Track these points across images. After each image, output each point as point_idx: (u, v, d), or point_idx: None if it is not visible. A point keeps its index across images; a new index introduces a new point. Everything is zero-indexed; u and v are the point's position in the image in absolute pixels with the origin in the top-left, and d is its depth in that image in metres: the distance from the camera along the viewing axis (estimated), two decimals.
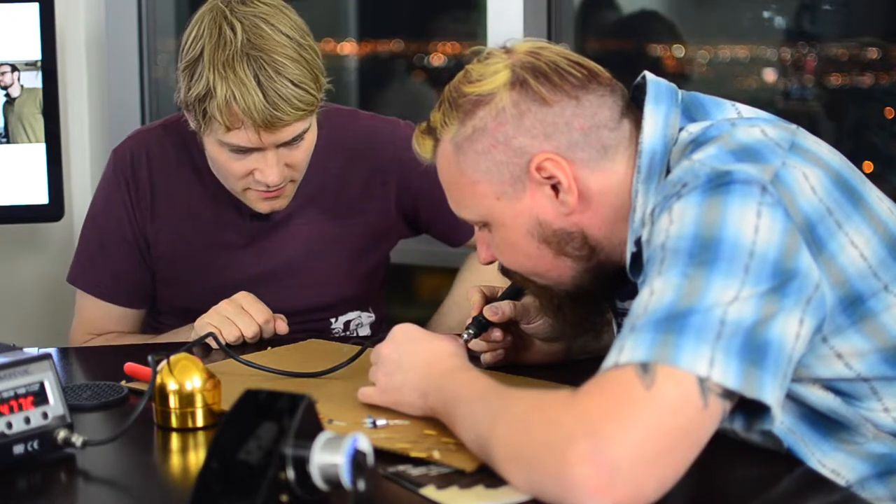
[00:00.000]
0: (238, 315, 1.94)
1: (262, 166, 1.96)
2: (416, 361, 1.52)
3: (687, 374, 1.24)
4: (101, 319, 2.20)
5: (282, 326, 1.97)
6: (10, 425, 1.41)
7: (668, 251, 1.32)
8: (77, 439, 1.44)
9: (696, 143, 1.45)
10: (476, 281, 2.18)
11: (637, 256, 1.48)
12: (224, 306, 1.95)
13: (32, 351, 1.57)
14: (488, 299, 1.76)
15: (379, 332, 2.25)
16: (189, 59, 1.93)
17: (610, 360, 1.28)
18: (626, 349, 1.27)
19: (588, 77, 1.50)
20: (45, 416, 1.44)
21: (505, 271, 1.65)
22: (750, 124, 1.46)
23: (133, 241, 2.15)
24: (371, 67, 3.49)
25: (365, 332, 2.24)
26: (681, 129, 1.49)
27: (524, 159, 1.49)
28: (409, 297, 3.29)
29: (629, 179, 1.50)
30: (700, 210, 1.32)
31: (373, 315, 2.25)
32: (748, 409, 1.31)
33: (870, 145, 2.79)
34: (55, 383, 1.46)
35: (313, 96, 1.93)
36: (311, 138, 2.01)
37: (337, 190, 2.17)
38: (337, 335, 2.20)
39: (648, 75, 1.54)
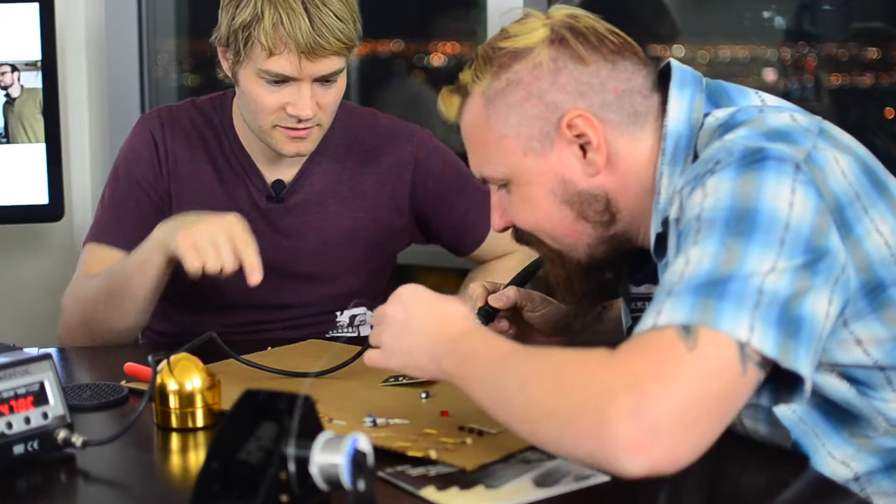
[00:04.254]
0: (224, 246, 1.85)
1: (295, 99, 2.00)
2: (426, 324, 1.45)
3: (728, 338, 1.23)
4: (104, 265, 2.10)
5: (254, 279, 1.86)
6: (10, 425, 1.41)
7: (704, 222, 1.32)
8: (77, 439, 1.44)
9: (726, 127, 1.46)
10: None
11: (661, 237, 1.48)
12: (215, 228, 1.86)
13: (32, 351, 1.57)
14: (490, 294, 1.76)
15: None
16: None
17: (647, 323, 1.27)
18: (665, 312, 1.26)
19: (624, 45, 1.52)
20: (45, 416, 1.45)
21: (519, 237, 1.63)
22: (778, 110, 1.48)
23: (155, 195, 2.16)
24: (371, 67, 3.49)
25: (367, 330, 2.24)
26: (706, 115, 1.50)
27: (556, 115, 1.49)
28: None
29: (655, 155, 1.50)
30: (735, 184, 1.33)
31: None
32: (776, 384, 1.30)
33: (870, 145, 2.79)
34: (55, 383, 1.46)
35: (352, 33, 2.00)
36: (342, 83, 2.06)
37: (352, 184, 2.19)
38: (341, 328, 2.21)
39: (673, 62, 1.56)
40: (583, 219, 1.53)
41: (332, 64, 1.99)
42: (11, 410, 1.42)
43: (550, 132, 1.50)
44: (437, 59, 3.39)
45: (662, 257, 1.49)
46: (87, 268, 2.13)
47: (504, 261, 2.29)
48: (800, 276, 1.28)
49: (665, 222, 1.46)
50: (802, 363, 1.26)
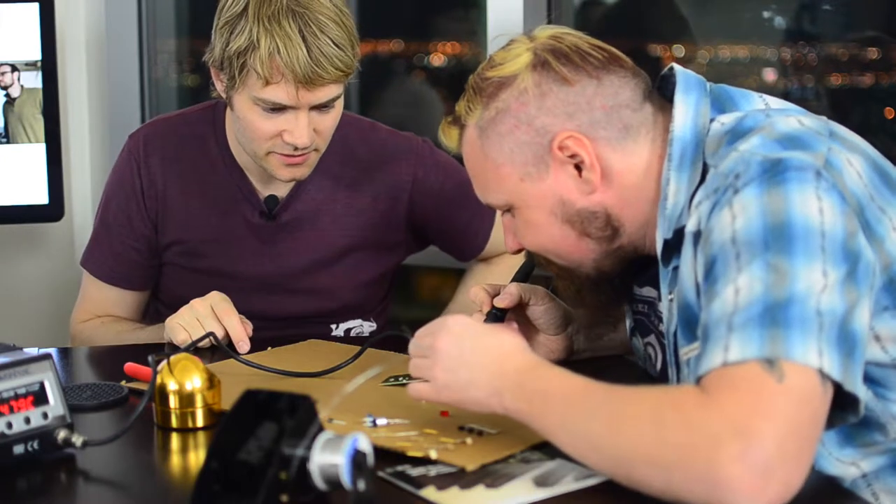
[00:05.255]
0: (207, 318, 1.93)
1: (292, 127, 1.96)
2: (484, 358, 1.41)
3: (807, 366, 1.24)
4: (102, 301, 2.22)
5: (243, 348, 1.92)
6: (10, 425, 1.41)
7: (741, 245, 1.32)
8: (77, 439, 1.44)
9: (734, 133, 1.46)
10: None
11: (669, 244, 1.48)
12: (197, 306, 1.94)
13: (32, 351, 1.57)
14: (493, 296, 1.77)
15: None
16: (230, 15, 1.95)
17: (715, 360, 1.27)
18: (734, 347, 1.26)
19: (609, 59, 1.52)
20: (45, 416, 1.45)
21: (530, 257, 1.65)
22: (785, 115, 1.48)
23: (140, 225, 2.17)
24: (371, 67, 3.48)
25: None
26: (712, 120, 1.50)
27: (546, 138, 1.50)
28: (410, 297, 3.29)
29: (655, 164, 1.51)
30: (762, 201, 1.33)
31: (374, 324, 2.25)
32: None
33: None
34: (55, 383, 1.46)
35: (351, 60, 1.95)
36: (339, 108, 2.03)
37: (348, 202, 2.17)
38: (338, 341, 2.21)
39: (676, 67, 1.56)
40: (586, 236, 1.54)
41: (329, 92, 1.95)
42: (11, 410, 1.42)
43: (544, 156, 1.51)
44: (437, 59, 3.39)
45: (669, 263, 1.49)
46: (89, 302, 2.24)
47: (504, 258, 2.29)
48: (847, 287, 1.29)
49: (679, 232, 1.46)
50: (858, 384, 1.28)
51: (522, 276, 1.78)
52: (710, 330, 1.30)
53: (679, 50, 2.89)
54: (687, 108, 1.51)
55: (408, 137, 2.24)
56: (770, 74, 2.83)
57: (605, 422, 1.29)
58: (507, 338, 1.44)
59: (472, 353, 1.42)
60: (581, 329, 1.79)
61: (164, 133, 2.19)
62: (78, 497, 1.42)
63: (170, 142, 2.17)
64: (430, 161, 2.20)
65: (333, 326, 2.21)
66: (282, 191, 2.14)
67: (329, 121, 2.00)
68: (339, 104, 2.02)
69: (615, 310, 1.69)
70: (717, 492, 1.20)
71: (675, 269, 1.48)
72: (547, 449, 1.44)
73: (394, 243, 2.22)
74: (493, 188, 1.56)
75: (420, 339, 1.47)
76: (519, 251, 1.64)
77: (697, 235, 1.41)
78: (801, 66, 2.79)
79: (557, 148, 1.49)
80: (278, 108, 1.95)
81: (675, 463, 1.22)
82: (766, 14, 2.94)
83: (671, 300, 1.50)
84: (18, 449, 1.42)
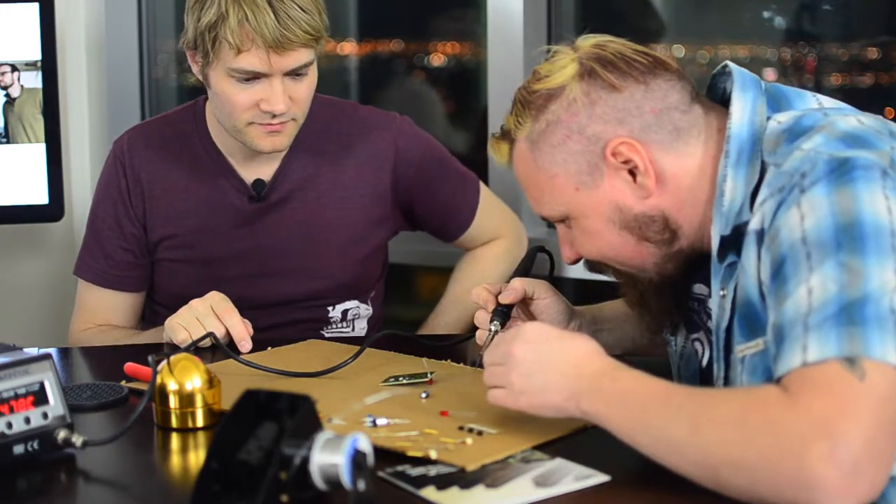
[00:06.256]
0: (207, 317, 1.94)
1: (268, 95, 2.01)
2: (560, 362, 1.41)
3: (886, 364, 1.25)
4: (99, 307, 2.23)
5: (245, 347, 1.93)
6: (10, 425, 1.42)
7: (812, 245, 1.33)
8: (77, 439, 1.45)
9: (792, 132, 1.46)
10: (471, 279, 2.22)
11: (726, 241, 1.49)
12: (197, 306, 1.96)
13: (32, 351, 1.57)
14: (496, 294, 1.77)
15: (376, 330, 2.26)
16: None
17: (794, 360, 1.27)
18: (812, 347, 1.26)
19: (655, 63, 1.53)
20: (45, 416, 1.45)
21: (591, 266, 1.65)
22: (843, 114, 1.49)
23: (128, 225, 2.19)
24: (371, 67, 3.48)
25: (362, 324, 2.26)
26: (767, 119, 1.51)
27: (599, 146, 1.51)
28: (409, 296, 3.29)
29: (709, 164, 1.51)
30: (831, 200, 1.34)
31: (371, 309, 2.27)
32: None
33: None
34: (55, 383, 1.46)
35: (318, 24, 2.00)
36: (313, 76, 2.07)
37: (332, 175, 2.19)
38: (335, 323, 2.21)
39: (732, 65, 1.56)
40: (645, 240, 1.54)
41: (300, 57, 2.00)
42: (11, 410, 1.42)
43: (597, 163, 1.51)
44: (437, 59, 3.39)
45: (724, 259, 1.49)
46: (85, 310, 2.24)
47: (490, 247, 2.32)
48: None
49: (737, 229, 1.47)
50: None
51: (523, 271, 1.79)
52: (784, 330, 1.31)
53: (679, 50, 2.89)
54: (744, 105, 1.51)
55: (388, 113, 2.28)
56: (770, 74, 2.83)
57: (687, 424, 1.29)
58: (582, 342, 1.44)
59: (549, 358, 1.42)
60: (644, 335, 1.78)
61: (147, 134, 2.23)
62: (78, 497, 1.42)
63: (153, 142, 2.21)
64: (411, 133, 2.24)
65: (330, 308, 2.22)
66: (267, 173, 2.17)
67: (303, 89, 2.04)
68: (313, 72, 2.06)
69: (678, 313, 1.68)
70: (806, 493, 1.20)
71: (730, 265, 1.49)
72: (547, 449, 1.44)
73: (381, 216, 2.23)
74: (547, 200, 1.57)
75: (495, 348, 1.48)
76: (576, 261, 1.63)
77: (761, 234, 1.42)
78: (800, 66, 2.79)
79: (611, 154, 1.50)
80: (252, 77, 1.99)
81: (762, 464, 1.23)
82: (766, 14, 2.93)
83: (723, 296, 1.51)
84: (18, 449, 1.42)
